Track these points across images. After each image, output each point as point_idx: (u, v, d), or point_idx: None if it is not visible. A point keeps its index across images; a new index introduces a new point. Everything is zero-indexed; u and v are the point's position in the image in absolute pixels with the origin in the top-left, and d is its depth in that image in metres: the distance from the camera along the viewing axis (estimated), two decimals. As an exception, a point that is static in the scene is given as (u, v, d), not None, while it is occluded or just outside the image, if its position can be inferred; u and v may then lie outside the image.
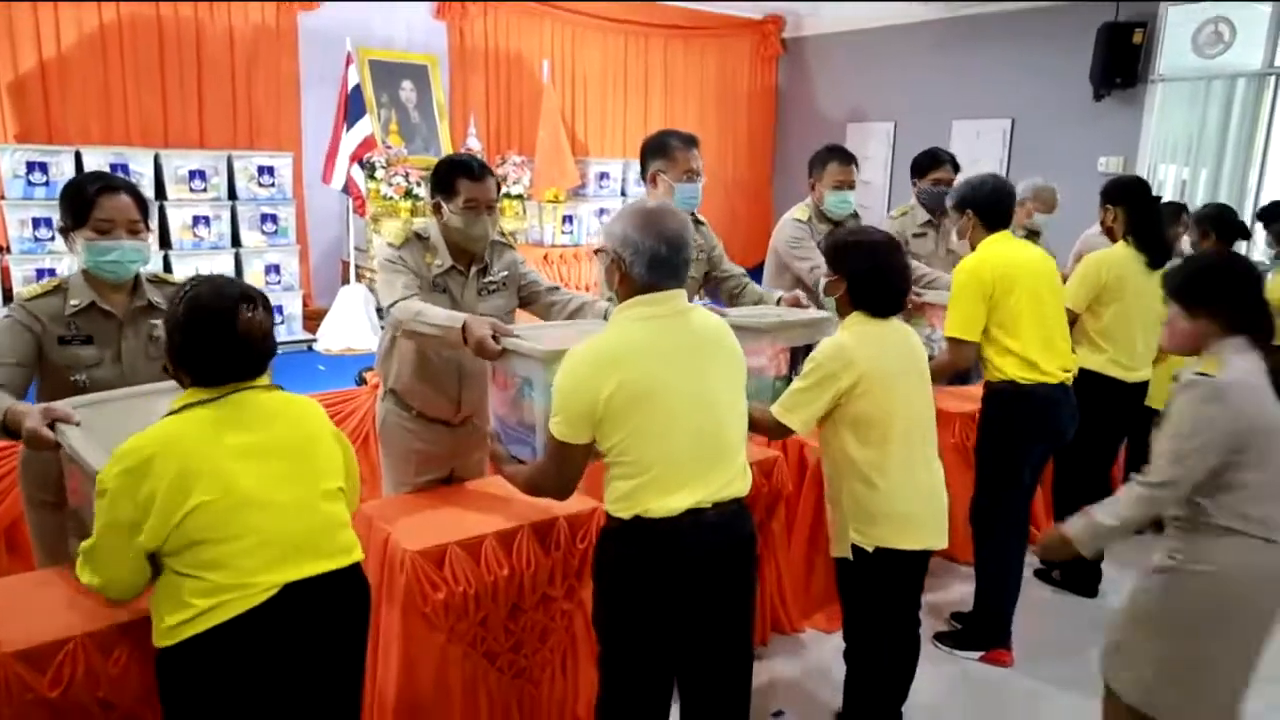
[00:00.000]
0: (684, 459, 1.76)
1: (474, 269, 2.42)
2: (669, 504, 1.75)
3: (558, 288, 2.60)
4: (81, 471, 1.66)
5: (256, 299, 1.58)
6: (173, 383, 1.68)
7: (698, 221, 2.98)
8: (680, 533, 1.76)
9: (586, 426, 1.73)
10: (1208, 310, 1.89)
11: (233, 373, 1.58)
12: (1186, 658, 1.86)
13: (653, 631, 1.81)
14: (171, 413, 1.55)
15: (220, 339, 1.54)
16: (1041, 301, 2.81)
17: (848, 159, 3.32)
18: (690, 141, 2.83)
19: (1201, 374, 1.85)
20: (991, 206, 2.83)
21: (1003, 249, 2.84)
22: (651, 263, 1.74)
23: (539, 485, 1.90)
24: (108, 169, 4.56)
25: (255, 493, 1.53)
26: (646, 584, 1.78)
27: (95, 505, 1.48)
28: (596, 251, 2.75)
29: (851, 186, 3.34)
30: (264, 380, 1.63)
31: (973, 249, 2.89)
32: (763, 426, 2.24)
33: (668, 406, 1.73)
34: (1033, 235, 3.95)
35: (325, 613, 1.59)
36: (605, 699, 1.91)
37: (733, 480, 1.83)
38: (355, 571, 1.66)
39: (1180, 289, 1.96)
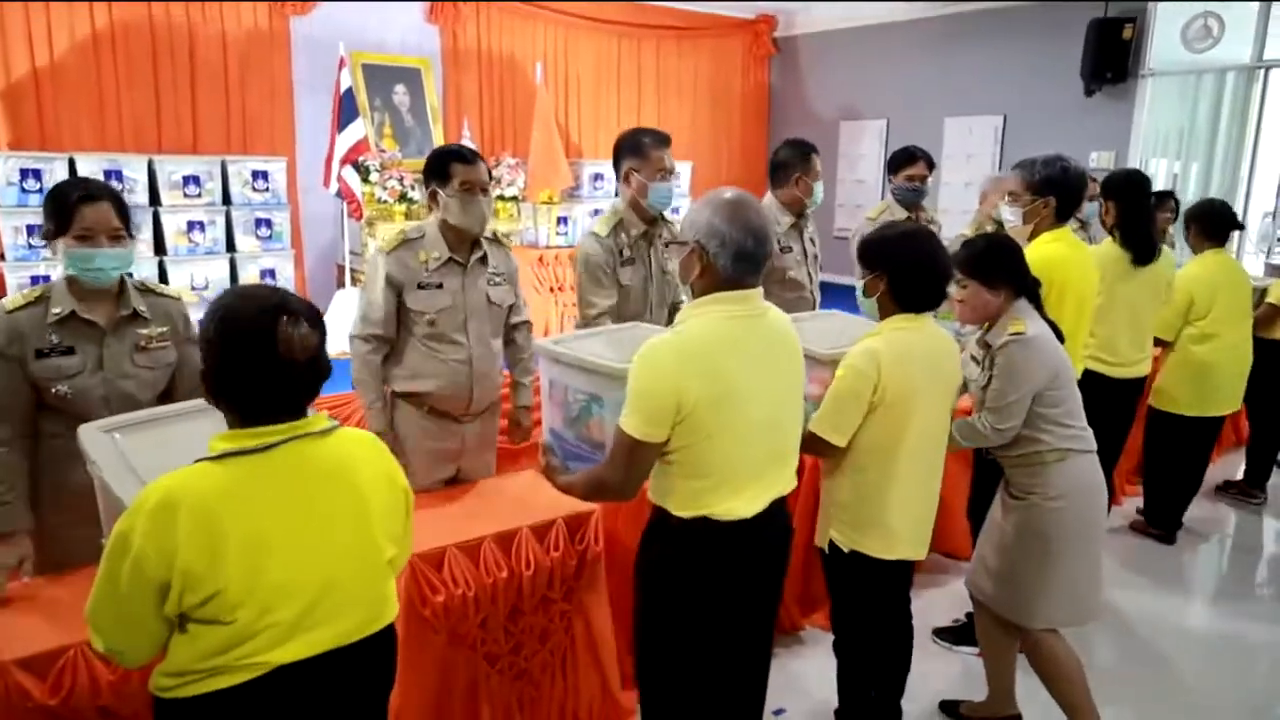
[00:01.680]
0: (754, 463, 1.75)
1: (473, 259, 2.47)
2: (736, 508, 1.72)
3: (525, 324, 2.72)
4: (108, 501, 1.56)
5: (299, 311, 1.33)
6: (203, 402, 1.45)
7: (667, 224, 3.00)
8: (745, 534, 1.74)
9: (667, 424, 1.65)
10: (1003, 281, 2.27)
11: (277, 405, 1.34)
12: (1039, 571, 2.28)
13: (710, 630, 1.79)
14: (210, 457, 1.31)
15: (257, 363, 1.30)
16: (1083, 303, 2.77)
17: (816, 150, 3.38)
18: (663, 140, 2.86)
19: (1016, 333, 2.23)
20: (1074, 194, 2.75)
21: (1057, 249, 2.72)
22: (737, 255, 1.68)
23: (604, 486, 1.78)
24: (101, 175, 4.55)
25: (293, 576, 1.32)
26: (710, 583, 1.76)
27: (108, 559, 1.27)
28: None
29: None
30: (320, 421, 1.39)
31: (1031, 238, 2.76)
32: (804, 443, 2.24)
33: (747, 413, 1.70)
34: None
35: (343, 681, 1.41)
36: (660, 706, 1.86)
37: (788, 480, 1.85)
38: (382, 633, 1.46)
39: (977, 268, 2.29)
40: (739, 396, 1.68)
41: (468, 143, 6.18)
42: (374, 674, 1.48)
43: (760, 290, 1.76)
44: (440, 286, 2.42)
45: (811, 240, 3.42)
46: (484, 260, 2.50)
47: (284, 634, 1.30)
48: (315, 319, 1.36)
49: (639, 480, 1.74)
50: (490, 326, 2.52)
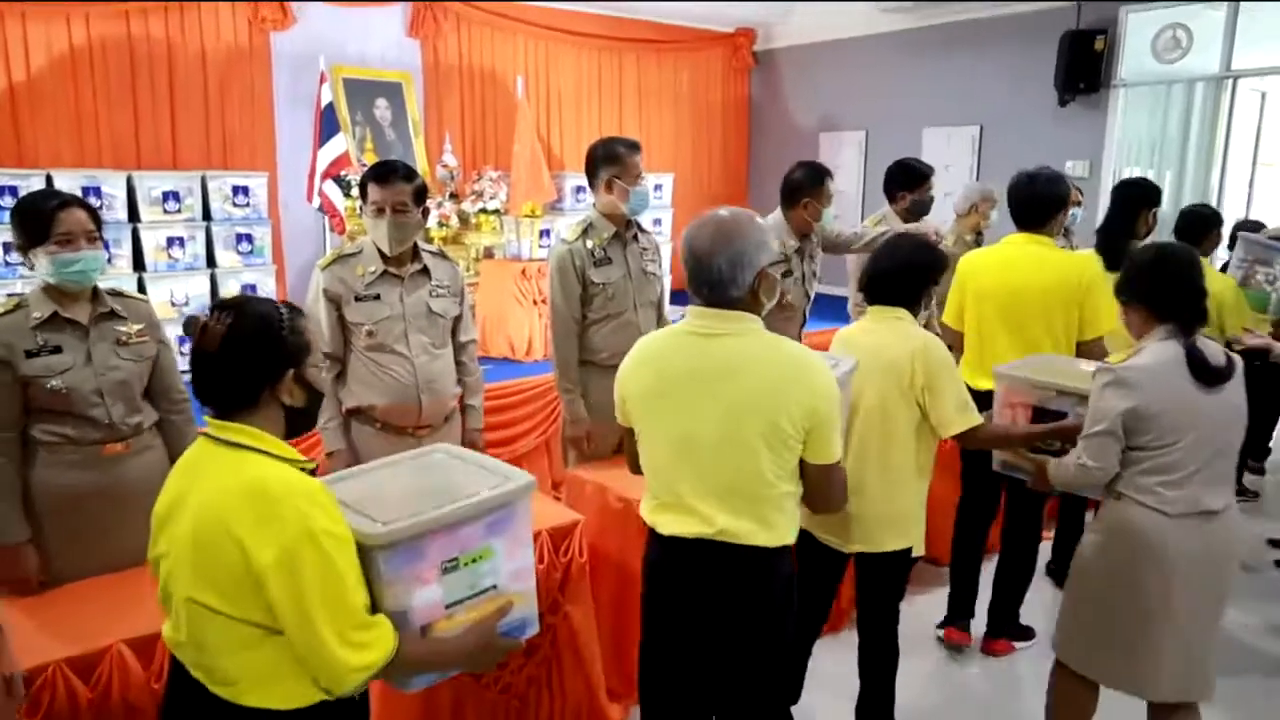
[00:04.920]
0: (675, 482, 1.73)
1: (411, 270, 2.53)
2: (659, 523, 1.79)
3: (471, 343, 2.75)
4: None
5: (229, 308, 1.41)
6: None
7: (642, 229, 3.07)
8: (664, 550, 1.78)
9: (620, 411, 1.87)
10: (1134, 301, 2.09)
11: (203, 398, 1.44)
12: (1093, 613, 2.12)
13: (646, 625, 1.92)
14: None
15: None
16: (1006, 311, 2.83)
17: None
18: (636, 147, 2.98)
19: (1105, 364, 2.06)
20: (1012, 204, 2.91)
21: (994, 250, 2.93)
22: (687, 273, 1.75)
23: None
24: (79, 191, 4.52)
25: (162, 544, 1.39)
26: (644, 580, 1.90)
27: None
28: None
29: None
30: (223, 429, 1.39)
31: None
32: None
33: (669, 425, 1.75)
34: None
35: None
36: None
37: (732, 528, 1.70)
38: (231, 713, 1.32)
39: (1117, 286, 2.16)
40: (662, 407, 1.75)
41: (450, 157, 6.20)
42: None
43: (725, 314, 1.70)
44: (378, 298, 2.48)
45: (811, 257, 3.46)
46: (425, 272, 2.55)
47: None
48: (241, 324, 1.38)
49: (633, 458, 1.92)
50: (432, 337, 2.56)
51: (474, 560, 1.49)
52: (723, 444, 1.70)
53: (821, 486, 1.78)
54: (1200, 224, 3.74)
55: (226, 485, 1.31)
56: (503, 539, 1.53)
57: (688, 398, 1.71)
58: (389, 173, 2.47)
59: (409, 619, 1.41)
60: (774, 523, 1.73)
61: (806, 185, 3.29)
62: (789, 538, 1.77)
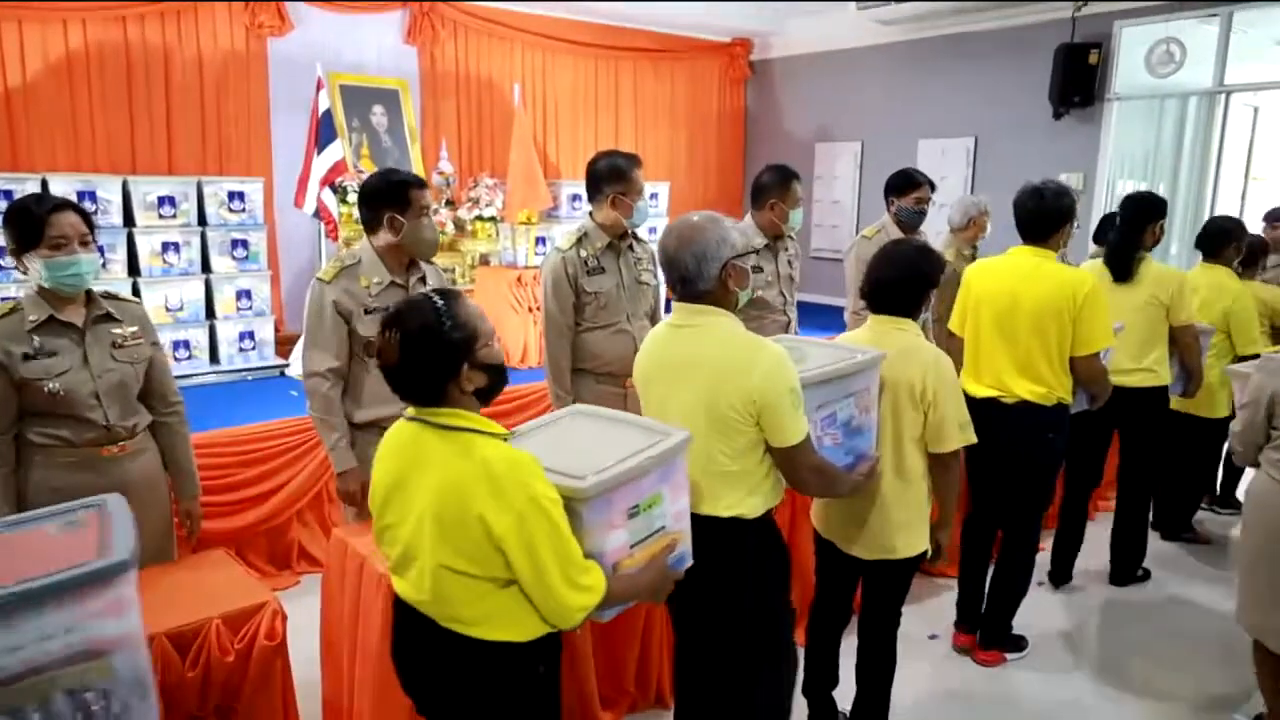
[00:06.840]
0: None
1: (413, 279, 2.55)
2: None
3: None
4: None
5: (393, 323, 1.57)
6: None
7: (638, 239, 3.08)
8: None
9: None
10: None
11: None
12: (1253, 581, 2.34)
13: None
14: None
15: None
16: (1001, 320, 2.83)
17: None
18: (638, 161, 2.99)
19: (1271, 350, 2.33)
20: (1018, 217, 2.91)
21: (997, 260, 2.95)
22: (663, 273, 1.96)
23: None
24: (75, 196, 4.51)
25: (390, 516, 1.61)
26: None
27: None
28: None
29: None
30: (441, 414, 1.56)
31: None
32: None
33: (646, 406, 2.03)
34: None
35: (423, 654, 1.65)
36: None
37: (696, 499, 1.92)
38: (469, 646, 1.56)
39: None
40: (649, 390, 2.01)
41: (446, 164, 6.22)
42: (444, 671, 1.61)
43: (694, 307, 1.91)
44: (388, 310, 2.46)
45: (789, 262, 3.47)
46: (423, 280, 2.57)
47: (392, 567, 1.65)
48: (419, 327, 1.55)
49: None
50: None
51: (650, 505, 1.71)
52: (681, 425, 1.87)
53: (785, 467, 1.94)
54: (1219, 236, 3.81)
55: (459, 469, 1.50)
56: (669, 485, 1.74)
57: (661, 384, 1.97)
58: (419, 178, 2.56)
59: (604, 560, 1.62)
60: (720, 495, 1.91)
61: (773, 187, 3.33)
62: (741, 511, 1.92)
